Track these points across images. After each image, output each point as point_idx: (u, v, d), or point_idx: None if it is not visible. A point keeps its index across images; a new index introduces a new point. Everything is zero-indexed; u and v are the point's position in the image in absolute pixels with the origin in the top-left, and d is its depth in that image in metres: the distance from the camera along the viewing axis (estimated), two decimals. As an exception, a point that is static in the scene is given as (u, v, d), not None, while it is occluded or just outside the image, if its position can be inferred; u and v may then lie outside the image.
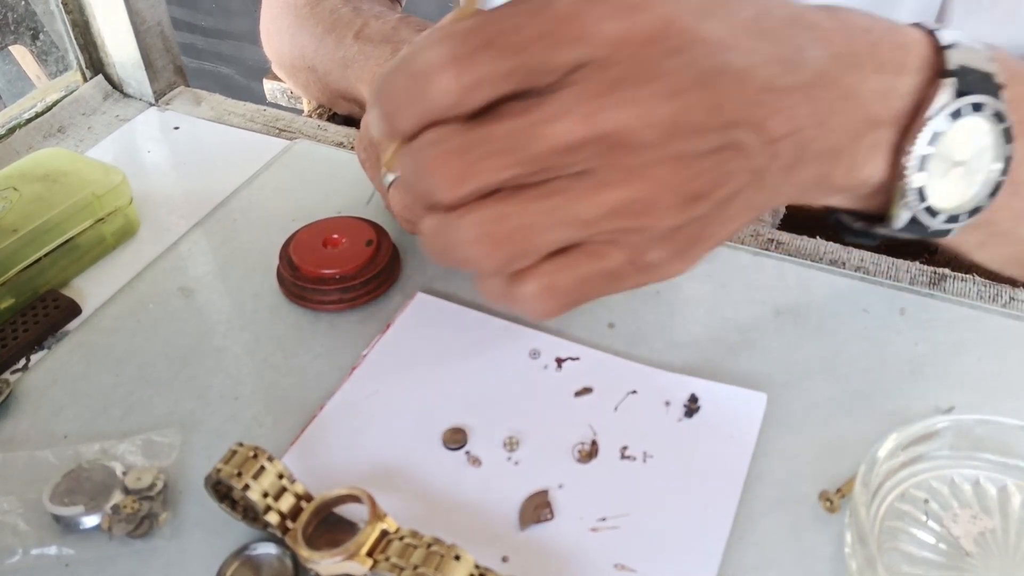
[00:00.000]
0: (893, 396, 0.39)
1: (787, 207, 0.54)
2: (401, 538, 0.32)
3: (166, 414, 0.40)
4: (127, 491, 0.36)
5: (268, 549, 0.34)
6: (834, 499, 0.35)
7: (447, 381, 0.41)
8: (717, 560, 0.33)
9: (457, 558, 0.31)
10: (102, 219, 0.50)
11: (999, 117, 0.34)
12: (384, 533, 0.33)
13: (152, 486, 0.36)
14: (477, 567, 0.31)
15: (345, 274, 0.44)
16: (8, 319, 0.45)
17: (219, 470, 0.34)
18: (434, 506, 0.36)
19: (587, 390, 0.40)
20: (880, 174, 0.35)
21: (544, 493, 0.36)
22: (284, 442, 0.39)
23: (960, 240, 0.38)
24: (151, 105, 0.65)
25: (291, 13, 0.64)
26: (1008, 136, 0.35)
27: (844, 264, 0.47)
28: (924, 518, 0.34)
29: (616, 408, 0.39)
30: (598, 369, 0.41)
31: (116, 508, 0.35)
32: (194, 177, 0.57)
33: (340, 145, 0.59)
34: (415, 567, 0.31)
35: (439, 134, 0.30)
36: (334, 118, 0.70)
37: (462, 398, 0.40)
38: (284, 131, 0.62)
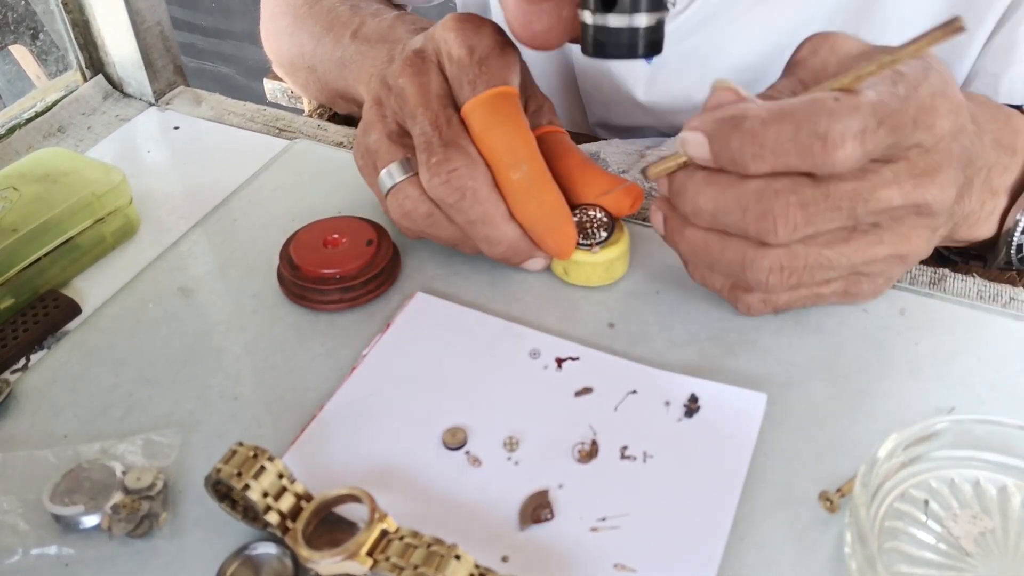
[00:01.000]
0: (893, 396, 0.39)
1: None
2: (401, 538, 0.32)
3: (166, 414, 0.40)
4: (127, 491, 0.36)
5: (268, 549, 0.34)
6: (834, 499, 0.35)
7: (447, 381, 0.41)
8: (717, 560, 0.33)
9: (457, 558, 0.31)
10: (102, 219, 0.50)
11: None
12: (384, 533, 0.33)
13: (152, 486, 0.36)
14: (477, 567, 0.31)
15: (345, 274, 0.44)
16: (8, 319, 0.45)
17: (219, 470, 0.34)
18: (434, 506, 0.36)
19: (587, 390, 0.40)
20: (991, 233, 0.44)
21: (544, 493, 0.36)
22: (284, 442, 0.39)
23: None
24: (151, 105, 0.65)
25: (290, 13, 0.64)
26: None
27: (844, 264, 0.47)
28: (924, 518, 0.34)
29: (616, 408, 0.39)
30: (598, 369, 0.41)
31: (116, 508, 0.35)
32: (194, 177, 0.57)
33: (340, 145, 0.59)
34: (415, 567, 0.31)
35: (790, 185, 0.36)
36: (334, 118, 0.70)
37: (462, 398, 0.40)
38: (284, 131, 0.62)
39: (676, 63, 0.59)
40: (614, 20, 0.39)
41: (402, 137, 0.44)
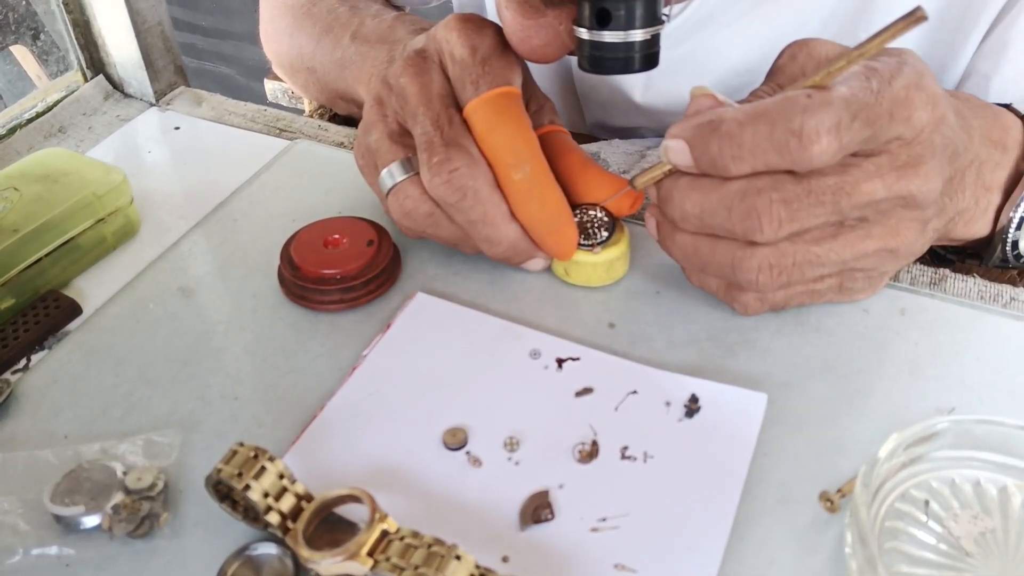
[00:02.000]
0: (893, 396, 0.39)
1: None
2: (402, 538, 0.32)
3: (166, 414, 0.40)
4: (127, 491, 0.36)
5: (268, 549, 0.34)
6: (834, 499, 0.35)
7: (447, 381, 0.41)
8: (717, 560, 0.33)
9: (458, 558, 0.31)
10: (103, 219, 0.50)
11: None
12: (384, 533, 0.33)
13: (152, 486, 0.36)
14: (477, 567, 0.31)
15: (346, 274, 0.45)
16: (9, 319, 0.45)
17: (220, 470, 0.34)
18: (434, 506, 0.36)
19: (587, 390, 0.40)
20: (986, 231, 0.44)
21: (544, 493, 0.36)
22: (284, 442, 0.39)
23: None
24: (152, 105, 0.65)
25: (289, 13, 0.64)
26: None
27: (844, 264, 0.47)
28: (924, 518, 0.34)
29: (616, 408, 0.39)
30: (598, 369, 0.41)
31: (117, 508, 0.35)
32: (195, 177, 0.57)
33: (341, 145, 0.59)
34: (416, 567, 0.31)
35: (772, 183, 0.36)
36: (335, 118, 0.70)
37: (462, 398, 0.40)
38: (285, 131, 0.62)
39: (673, 66, 0.59)
40: (610, 36, 0.39)
41: (403, 137, 0.44)
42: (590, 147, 0.60)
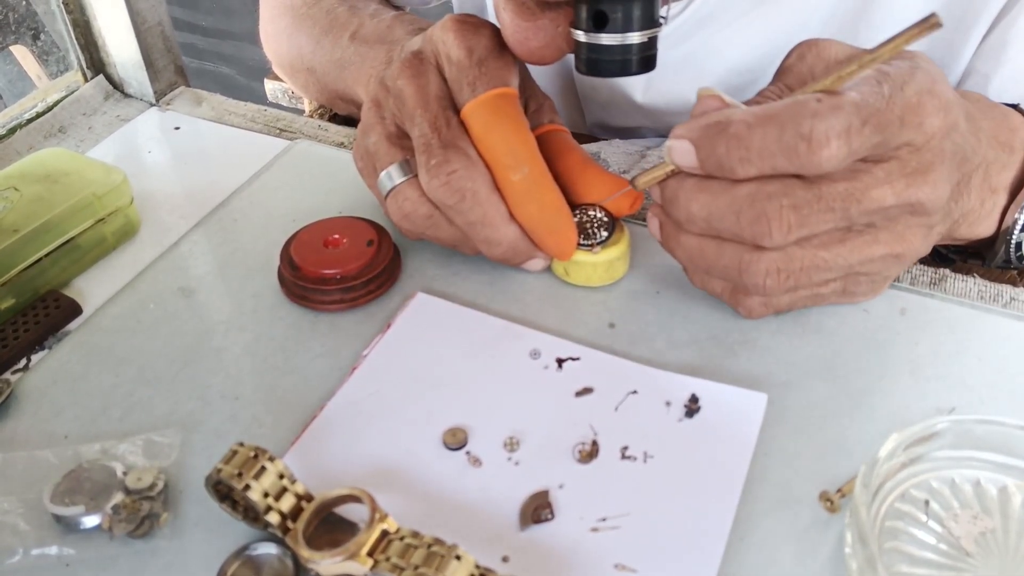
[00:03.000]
0: (893, 396, 0.39)
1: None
2: (401, 538, 0.32)
3: (166, 414, 0.40)
4: (127, 491, 0.36)
5: (269, 549, 0.34)
6: (834, 499, 0.35)
7: (447, 381, 0.41)
8: (717, 560, 0.33)
9: (458, 558, 0.31)
10: (103, 219, 0.50)
11: None
12: (384, 533, 0.33)
13: (152, 486, 0.36)
14: (477, 567, 0.31)
15: (346, 274, 0.45)
16: (9, 319, 0.45)
17: (220, 470, 0.34)
18: (434, 506, 0.36)
19: (587, 390, 0.40)
20: (990, 231, 0.44)
21: (544, 493, 0.36)
22: (284, 442, 0.39)
23: None
24: (152, 105, 0.65)
25: (288, 14, 0.64)
26: None
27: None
28: (924, 518, 0.34)
29: (616, 408, 0.39)
30: (598, 369, 0.41)
31: (117, 508, 0.35)
32: (195, 177, 0.57)
33: (341, 145, 0.59)
34: (416, 567, 0.31)
35: (782, 188, 0.36)
36: (335, 118, 0.70)
37: (462, 398, 0.40)
38: (285, 131, 0.62)
39: (673, 66, 0.59)
40: (607, 39, 0.39)
41: (401, 139, 0.44)
42: (590, 147, 0.60)
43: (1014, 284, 0.46)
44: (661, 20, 0.40)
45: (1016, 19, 0.52)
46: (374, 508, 0.33)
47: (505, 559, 0.34)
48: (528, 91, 0.48)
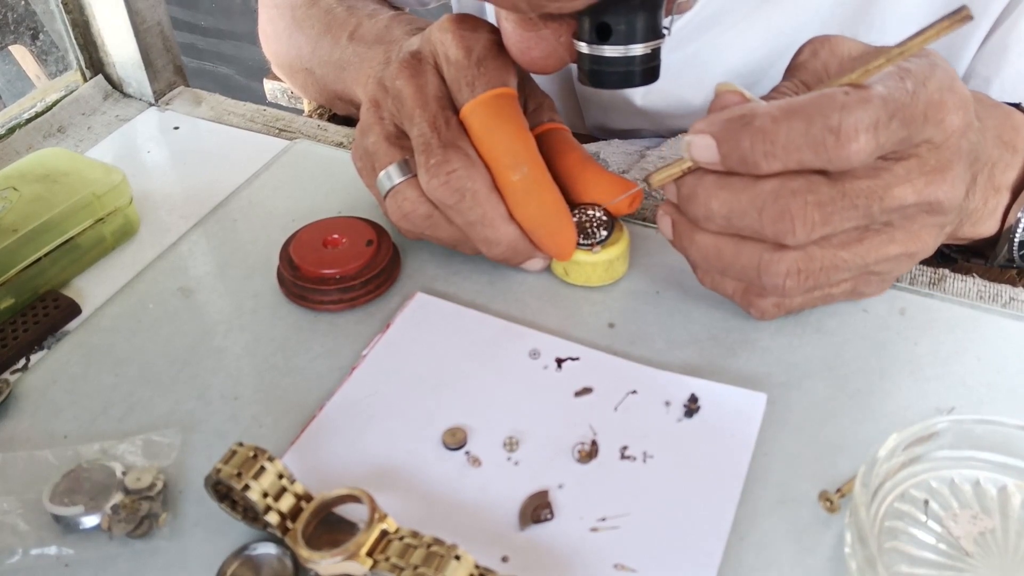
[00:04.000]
0: (893, 396, 0.39)
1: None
2: (401, 538, 0.32)
3: (166, 414, 0.40)
4: (127, 491, 0.36)
5: (268, 549, 0.34)
6: (834, 499, 0.35)
7: (447, 381, 0.41)
8: (717, 560, 0.33)
9: (457, 558, 0.31)
10: (102, 219, 0.50)
11: None
12: (384, 533, 0.33)
13: (152, 486, 0.36)
14: (477, 567, 0.31)
15: (345, 274, 0.44)
16: (8, 319, 0.45)
17: (219, 470, 0.34)
18: (434, 506, 0.36)
19: (587, 390, 0.40)
20: (993, 230, 0.44)
21: (544, 493, 0.36)
22: (284, 442, 0.39)
23: None
24: (151, 105, 0.65)
25: (287, 14, 0.64)
26: None
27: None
28: (924, 518, 0.34)
29: (616, 408, 0.39)
30: (598, 369, 0.41)
31: (116, 508, 0.35)
32: (194, 177, 0.57)
33: (340, 145, 0.59)
34: (415, 567, 0.31)
35: (807, 184, 0.35)
36: (334, 118, 0.70)
37: (462, 398, 0.40)
38: (284, 131, 0.62)
39: (674, 69, 0.59)
40: (610, 51, 0.39)
41: (400, 139, 0.44)
42: (589, 147, 0.60)
43: (1013, 284, 0.46)
44: (664, 31, 0.40)
45: (1017, 22, 0.52)
46: (373, 508, 0.33)
47: (505, 559, 0.34)
48: (527, 90, 0.48)
